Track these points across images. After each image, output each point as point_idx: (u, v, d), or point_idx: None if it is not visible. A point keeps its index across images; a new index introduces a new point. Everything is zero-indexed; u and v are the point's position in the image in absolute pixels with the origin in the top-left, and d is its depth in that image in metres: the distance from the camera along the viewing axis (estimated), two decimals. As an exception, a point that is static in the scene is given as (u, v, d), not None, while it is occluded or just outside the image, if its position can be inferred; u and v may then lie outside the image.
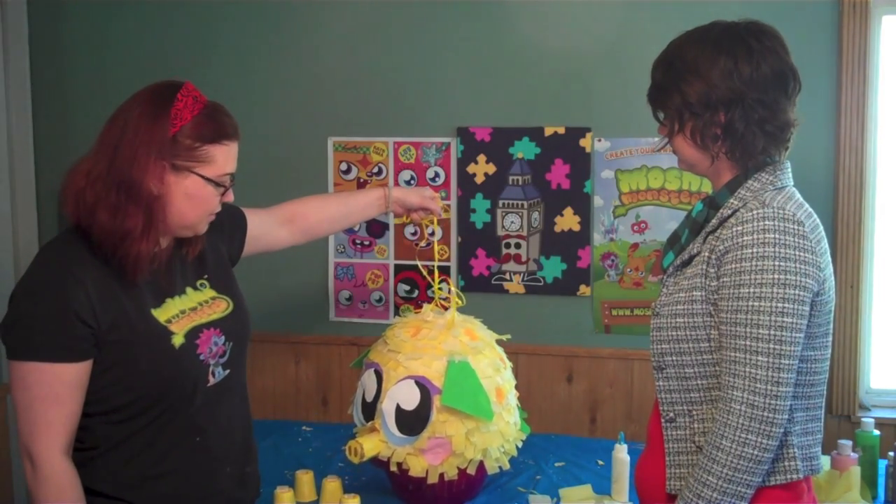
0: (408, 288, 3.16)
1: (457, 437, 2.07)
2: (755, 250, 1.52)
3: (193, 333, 1.72)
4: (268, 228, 2.13)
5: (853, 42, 2.82)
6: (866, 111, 2.83)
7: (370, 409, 2.14)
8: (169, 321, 1.70)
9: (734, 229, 1.55)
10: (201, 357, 1.73)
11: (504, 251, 3.10)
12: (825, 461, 2.35)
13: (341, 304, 3.24)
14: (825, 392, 1.64)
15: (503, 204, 3.09)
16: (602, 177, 3.04)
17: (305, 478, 2.29)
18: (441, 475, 2.12)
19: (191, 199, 1.68)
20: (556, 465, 2.48)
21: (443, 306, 2.33)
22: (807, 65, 2.87)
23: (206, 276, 1.83)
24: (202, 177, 1.67)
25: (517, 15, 3.04)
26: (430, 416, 2.07)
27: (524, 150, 3.07)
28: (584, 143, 3.03)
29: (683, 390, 1.63)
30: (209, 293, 1.82)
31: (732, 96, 1.60)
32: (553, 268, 3.08)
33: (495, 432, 2.13)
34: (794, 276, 1.51)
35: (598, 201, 3.04)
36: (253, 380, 3.31)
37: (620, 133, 3.01)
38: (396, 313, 3.20)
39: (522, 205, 3.09)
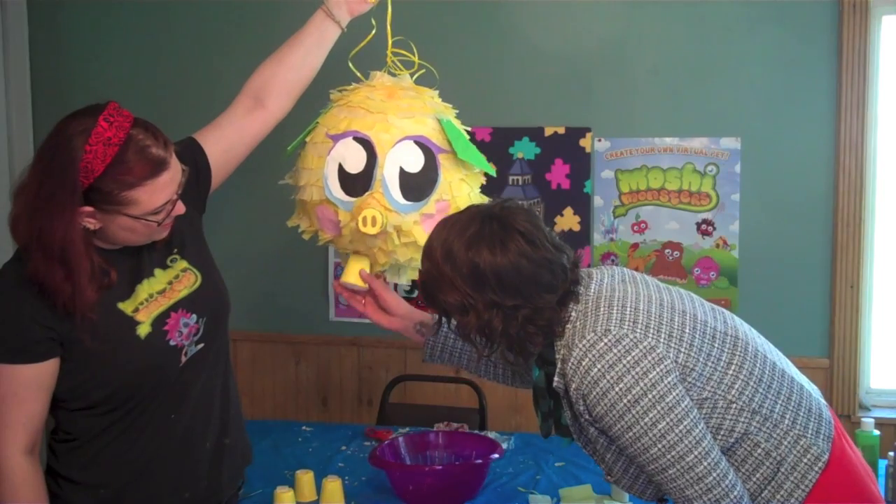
0: (408, 287, 3.15)
1: (460, 197, 1.92)
2: (609, 382, 1.52)
3: (160, 320, 1.71)
4: (240, 129, 1.93)
5: (853, 42, 2.82)
6: (866, 111, 2.84)
7: (358, 181, 1.88)
8: (136, 310, 1.69)
9: (578, 370, 1.55)
10: (171, 342, 1.71)
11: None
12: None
13: (341, 304, 3.24)
14: (784, 385, 1.65)
15: (503, 204, 3.09)
16: (602, 177, 3.04)
17: (305, 478, 2.28)
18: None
19: (130, 231, 1.64)
20: (556, 465, 2.48)
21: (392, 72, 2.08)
22: (807, 65, 2.90)
23: (175, 251, 1.78)
24: (131, 216, 1.60)
25: (517, 15, 3.03)
26: (437, 177, 1.90)
27: (524, 150, 3.07)
28: (584, 143, 3.03)
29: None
30: (180, 265, 1.78)
31: (487, 304, 1.58)
32: (553, 268, 3.08)
33: (481, 192, 2.00)
34: (660, 383, 1.52)
35: (598, 201, 3.04)
36: (253, 380, 3.33)
37: (620, 133, 3.01)
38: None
39: (522, 205, 3.09)
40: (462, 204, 1.90)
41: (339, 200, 1.90)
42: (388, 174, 1.87)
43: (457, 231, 1.61)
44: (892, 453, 2.25)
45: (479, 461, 2.27)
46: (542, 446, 2.56)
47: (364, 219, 1.83)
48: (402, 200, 1.87)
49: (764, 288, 2.95)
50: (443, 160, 1.90)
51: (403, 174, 1.88)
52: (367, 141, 1.88)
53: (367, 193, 1.87)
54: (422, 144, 1.90)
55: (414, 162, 1.88)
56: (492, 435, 2.59)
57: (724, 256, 2.97)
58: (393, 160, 1.87)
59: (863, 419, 2.43)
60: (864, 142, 2.84)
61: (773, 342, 1.78)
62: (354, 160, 1.89)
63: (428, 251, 1.64)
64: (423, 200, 1.88)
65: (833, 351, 2.92)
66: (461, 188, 1.93)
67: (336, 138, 1.92)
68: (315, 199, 1.93)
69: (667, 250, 3.01)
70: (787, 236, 2.93)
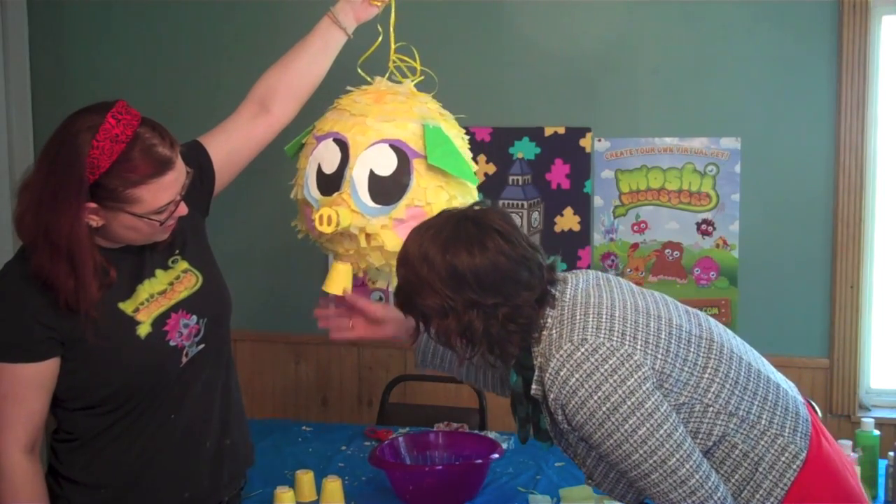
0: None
1: (437, 205, 1.87)
2: (588, 391, 1.52)
3: (160, 320, 1.71)
4: (245, 133, 1.93)
5: (853, 42, 2.82)
6: (866, 111, 2.84)
7: (331, 181, 1.88)
8: (136, 310, 1.69)
9: (556, 380, 1.55)
10: (172, 343, 1.71)
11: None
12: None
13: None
14: (760, 385, 1.65)
15: (503, 204, 3.09)
16: (602, 177, 3.04)
17: (305, 478, 2.29)
18: None
19: (132, 230, 1.64)
20: (556, 465, 2.48)
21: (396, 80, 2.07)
22: (807, 65, 2.91)
23: (176, 252, 1.78)
24: (134, 214, 1.60)
25: (517, 15, 3.04)
26: (409, 182, 1.87)
27: (524, 150, 3.07)
28: (584, 143, 3.03)
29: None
30: (181, 266, 1.78)
31: (466, 305, 1.57)
32: (553, 268, 3.08)
33: (470, 202, 1.92)
34: (638, 390, 1.52)
35: (598, 201, 3.04)
36: (253, 380, 3.33)
37: (620, 133, 3.01)
38: (396, 313, 3.20)
39: (522, 205, 3.09)
40: (438, 209, 1.84)
41: (314, 199, 1.90)
42: (357, 176, 1.86)
43: (431, 235, 1.59)
44: (892, 453, 2.25)
45: (479, 461, 2.27)
46: (542, 446, 2.56)
47: (320, 217, 1.82)
48: (370, 203, 1.86)
49: (764, 288, 2.94)
50: (418, 165, 1.88)
51: (373, 177, 1.86)
52: (343, 142, 1.88)
53: (336, 194, 1.86)
54: (397, 148, 1.88)
55: (385, 165, 1.87)
56: (492, 435, 2.59)
57: (724, 256, 2.97)
58: (363, 162, 1.86)
59: (863, 419, 2.43)
60: (864, 142, 2.84)
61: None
62: (330, 161, 1.89)
63: (403, 258, 1.62)
64: (393, 205, 1.86)
65: (833, 351, 2.92)
66: (438, 195, 1.89)
67: (320, 139, 1.93)
68: (299, 197, 1.95)
69: (667, 250, 3.01)
70: (787, 236, 2.93)
